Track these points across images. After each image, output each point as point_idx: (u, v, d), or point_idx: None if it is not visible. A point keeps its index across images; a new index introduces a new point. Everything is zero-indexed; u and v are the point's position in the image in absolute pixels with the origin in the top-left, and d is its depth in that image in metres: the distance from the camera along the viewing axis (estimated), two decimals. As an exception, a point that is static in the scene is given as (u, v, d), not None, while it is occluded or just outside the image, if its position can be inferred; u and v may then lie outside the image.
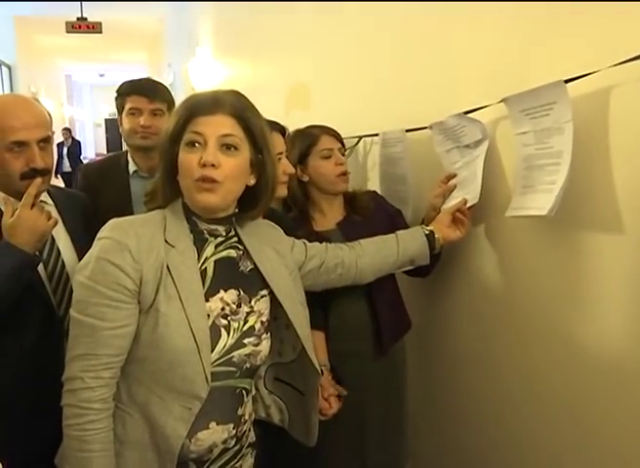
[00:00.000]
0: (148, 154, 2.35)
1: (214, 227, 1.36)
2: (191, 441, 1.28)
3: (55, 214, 1.71)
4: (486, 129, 1.61)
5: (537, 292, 1.52)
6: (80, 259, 1.71)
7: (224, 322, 1.32)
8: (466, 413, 1.90)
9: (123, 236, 1.25)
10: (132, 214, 2.23)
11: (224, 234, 1.39)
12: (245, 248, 1.41)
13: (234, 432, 1.36)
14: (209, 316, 1.29)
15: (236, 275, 1.38)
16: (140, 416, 1.27)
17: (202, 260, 1.34)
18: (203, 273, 1.32)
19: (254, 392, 1.48)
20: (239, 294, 1.36)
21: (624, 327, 1.25)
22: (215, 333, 1.29)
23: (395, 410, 2.00)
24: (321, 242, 1.71)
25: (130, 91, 2.31)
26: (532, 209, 1.38)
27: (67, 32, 9.04)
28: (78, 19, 8.94)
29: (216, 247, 1.37)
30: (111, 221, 1.31)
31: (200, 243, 1.35)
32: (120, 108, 2.33)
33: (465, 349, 1.88)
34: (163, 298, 1.25)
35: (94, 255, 1.25)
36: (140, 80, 2.42)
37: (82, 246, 1.76)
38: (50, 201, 1.77)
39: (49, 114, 1.76)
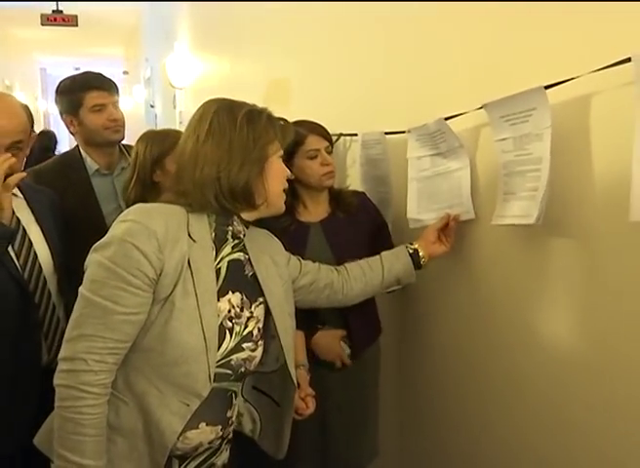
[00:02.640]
0: (109, 150, 2.32)
1: (240, 229, 1.39)
2: (179, 439, 1.28)
3: (25, 207, 1.75)
4: (462, 144, 1.61)
5: (517, 294, 1.54)
6: (52, 252, 1.78)
7: (229, 324, 1.33)
8: (450, 411, 1.91)
9: (152, 222, 1.24)
10: (100, 213, 2.22)
11: (242, 237, 1.41)
12: (247, 252, 1.43)
13: (221, 433, 1.37)
14: (218, 316, 1.29)
15: (242, 278, 1.40)
16: (134, 406, 1.26)
17: (218, 259, 1.35)
18: (217, 272, 1.33)
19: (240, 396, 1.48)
20: (242, 299, 1.37)
21: (602, 328, 1.27)
22: (221, 335, 1.30)
23: (359, 411, 2.00)
24: (300, 232, 1.76)
25: (88, 86, 2.24)
26: (517, 217, 1.39)
27: (42, 25, 8.87)
28: (53, 11, 8.80)
29: (232, 248, 1.38)
30: (139, 205, 1.31)
31: (220, 242, 1.36)
32: (76, 106, 2.24)
33: (448, 348, 1.89)
34: (180, 292, 1.24)
35: (117, 237, 1.22)
36: (90, 74, 2.34)
37: (52, 238, 1.81)
38: (20, 194, 1.78)
39: (30, 116, 1.73)
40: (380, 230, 1.99)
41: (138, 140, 1.91)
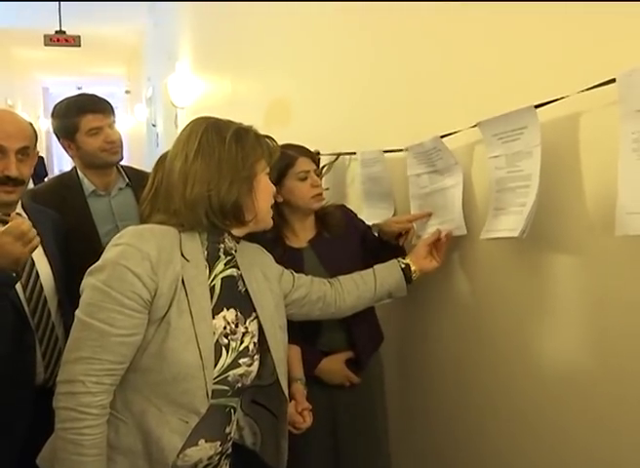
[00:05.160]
0: (107, 172, 2.33)
1: (232, 245, 1.41)
2: (179, 456, 1.30)
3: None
4: (457, 162, 1.65)
5: (513, 308, 1.57)
6: (54, 271, 1.80)
7: (225, 341, 1.34)
8: (449, 426, 1.93)
9: (144, 245, 1.26)
10: (96, 233, 2.23)
11: (234, 253, 1.43)
12: (239, 268, 1.45)
13: (220, 449, 1.39)
14: (214, 333, 1.32)
15: (236, 294, 1.42)
16: (133, 425, 1.28)
17: (212, 277, 1.37)
18: (211, 289, 1.35)
19: (240, 410, 1.50)
20: (236, 315, 1.39)
21: (597, 341, 1.31)
22: (217, 352, 1.32)
23: (370, 426, 2.02)
24: (294, 258, 1.76)
25: (83, 110, 2.23)
26: (504, 231, 1.43)
27: (45, 45, 8.96)
28: (56, 32, 8.89)
29: (225, 264, 1.41)
30: (132, 228, 1.32)
31: (212, 260, 1.38)
32: (72, 131, 2.24)
33: (446, 362, 1.92)
34: (175, 312, 1.26)
35: (111, 260, 1.25)
36: (84, 97, 2.33)
37: (55, 258, 1.83)
38: (24, 214, 1.80)
39: (34, 131, 1.78)
40: (366, 235, 2.02)
41: (159, 160, 1.94)
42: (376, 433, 2.04)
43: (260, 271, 1.51)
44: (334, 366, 1.93)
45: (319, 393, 1.87)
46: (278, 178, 1.92)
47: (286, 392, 1.49)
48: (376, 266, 1.80)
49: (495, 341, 1.65)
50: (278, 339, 1.48)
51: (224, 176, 1.33)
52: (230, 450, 1.50)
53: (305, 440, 1.73)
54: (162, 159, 1.88)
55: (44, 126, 16.22)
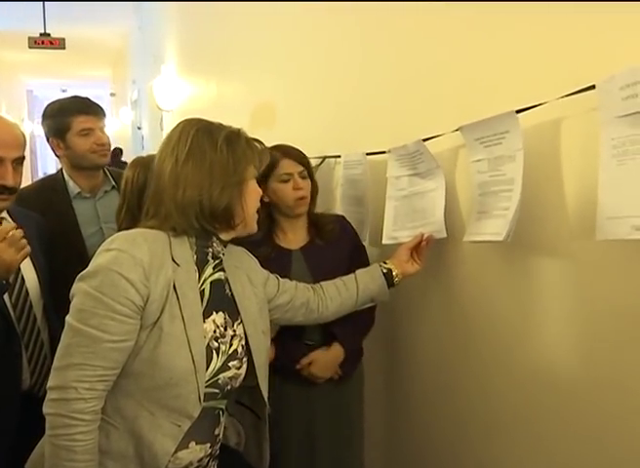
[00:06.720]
0: (93, 174, 2.34)
1: (219, 249, 1.41)
2: (170, 460, 1.29)
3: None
4: (439, 165, 1.66)
5: (492, 310, 1.58)
6: (39, 277, 1.79)
7: (216, 344, 1.35)
8: (430, 432, 1.94)
9: (137, 250, 1.25)
10: (81, 236, 2.23)
11: (221, 256, 1.43)
12: (226, 271, 1.45)
13: (210, 451, 1.39)
14: (205, 337, 1.32)
15: (224, 298, 1.42)
16: (125, 430, 1.27)
17: (201, 281, 1.37)
18: (201, 294, 1.35)
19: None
20: (225, 318, 1.39)
21: (575, 345, 1.32)
22: (208, 355, 1.32)
23: (345, 430, 2.01)
24: (282, 259, 1.75)
25: (77, 111, 2.27)
26: (488, 234, 1.43)
27: (30, 48, 8.91)
28: (41, 34, 8.85)
29: (213, 268, 1.41)
30: (123, 233, 1.32)
31: (201, 264, 1.38)
32: (63, 130, 2.27)
33: (425, 364, 1.93)
34: (168, 317, 1.26)
35: (103, 266, 1.23)
36: (77, 99, 2.36)
37: (39, 262, 1.82)
38: (9, 218, 1.79)
39: (25, 138, 1.78)
40: (360, 255, 2.00)
41: (127, 168, 1.91)
42: (351, 437, 2.04)
43: (246, 275, 1.51)
44: (328, 358, 1.91)
45: (297, 396, 1.87)
46: (262, 179, 1.91)
47: (265, 397, 1.50)
48: (357, 271, 1.79)
49: (476, 346, 1.65)
50: (260, 344, 1.48)
51: (216, 182, 1.32)
52: (218, 452, 1.50)
53: (284, 442, 1.74)
54: (128, 167, 1.88)
55: (28, 128, 16.12)
